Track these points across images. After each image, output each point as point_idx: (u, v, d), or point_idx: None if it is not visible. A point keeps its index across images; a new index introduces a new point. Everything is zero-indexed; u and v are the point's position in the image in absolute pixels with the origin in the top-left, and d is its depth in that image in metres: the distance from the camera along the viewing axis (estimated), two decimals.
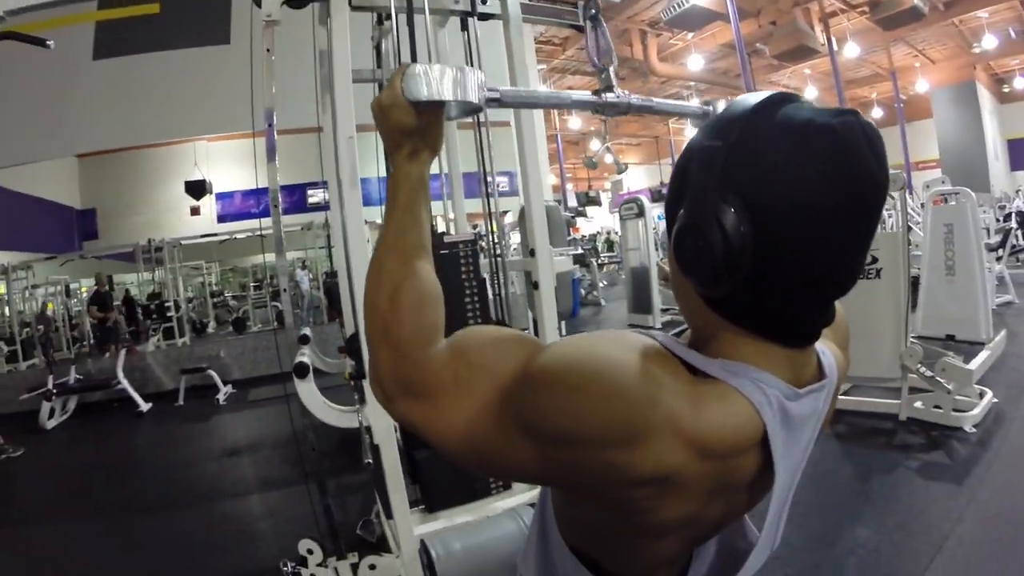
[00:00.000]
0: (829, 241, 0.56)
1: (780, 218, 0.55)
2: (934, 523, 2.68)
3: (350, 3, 2.08)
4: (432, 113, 0.70)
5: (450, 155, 2.98)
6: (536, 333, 2.32)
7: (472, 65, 2.54)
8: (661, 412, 0.54)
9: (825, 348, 0.69)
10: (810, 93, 17.14)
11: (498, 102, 0.79)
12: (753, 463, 0.61)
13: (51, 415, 6.35)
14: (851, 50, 14.34)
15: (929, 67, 17.57)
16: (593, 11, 0.97)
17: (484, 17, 2.49)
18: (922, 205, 6.31)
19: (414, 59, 2.11)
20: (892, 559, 2.48)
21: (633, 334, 0.62)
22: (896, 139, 16.88)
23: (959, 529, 2.60)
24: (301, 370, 2.17)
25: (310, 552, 2.56)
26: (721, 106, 1.05)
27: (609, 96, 0.93)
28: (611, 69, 0.93)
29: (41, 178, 10.49)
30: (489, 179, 2.59)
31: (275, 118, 2.40)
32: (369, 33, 2.94)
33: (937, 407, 3.77)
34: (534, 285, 2.30)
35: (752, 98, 0.60)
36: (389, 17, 2.22)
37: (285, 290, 2.09)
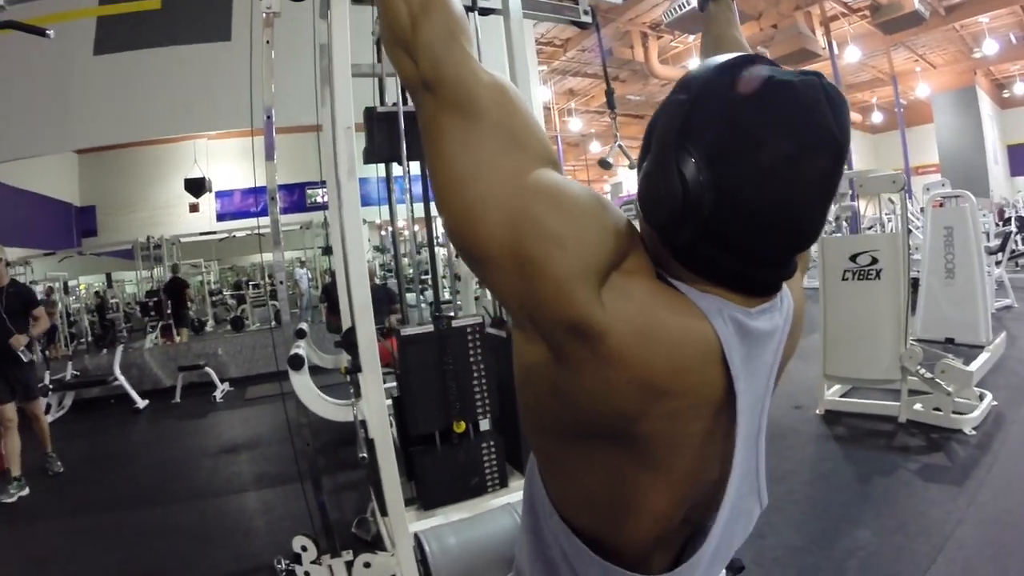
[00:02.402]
0: (784, 187, 0.57)
1: (737, 165, 0.57)
2: (934, 525, 2.66)
3: None
4: None
5: None
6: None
7: None
8: (624, 275, 0.59)
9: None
10: None
11: None
12: (713, 381, 0.61)
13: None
14: (852, 54, 14.29)
15: (930, 72, 17.54)
16: None
17: (485, 12, 2.47)
18: (921, 209, 6.29)
19: None
20: (893, 561, 2.46)
21: None
22: (896, 143, 16.83)
23: (959, 531, 2.59)
24: (296, 361, 2.14)
25: (304, 549, 2.55)
26: None
27: None
28: None
29: (40, 174, 10.44)
30: None
31: (274, 114, 2.38)
32: (370, 28, 2.92)
33: (937, 409, 3.76)
34: None
35: (720, 58, 0.62)
36: None
37: (282, 282, 2.06)
